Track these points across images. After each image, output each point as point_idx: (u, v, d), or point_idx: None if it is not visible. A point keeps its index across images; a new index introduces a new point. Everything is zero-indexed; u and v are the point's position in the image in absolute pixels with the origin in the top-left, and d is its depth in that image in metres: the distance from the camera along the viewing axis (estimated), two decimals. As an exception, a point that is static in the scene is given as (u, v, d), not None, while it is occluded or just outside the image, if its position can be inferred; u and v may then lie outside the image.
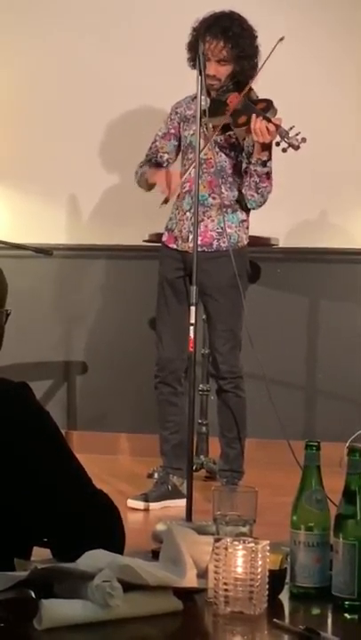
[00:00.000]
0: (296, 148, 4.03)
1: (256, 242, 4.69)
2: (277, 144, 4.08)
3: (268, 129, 4.03)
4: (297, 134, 4.02)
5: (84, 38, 5.50)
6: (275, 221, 5.00)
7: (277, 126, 4.04)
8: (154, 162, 4.43)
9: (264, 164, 4.16)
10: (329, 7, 5.26)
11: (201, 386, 4.94)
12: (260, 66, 4.18)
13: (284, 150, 4.07)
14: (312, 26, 5.23)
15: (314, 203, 5.32)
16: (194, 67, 4.26)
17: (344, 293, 5.33)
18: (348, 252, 5.30)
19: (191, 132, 4.30)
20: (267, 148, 4.12)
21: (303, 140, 4.01)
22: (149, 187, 4.37)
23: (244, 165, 4.27)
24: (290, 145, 4.03)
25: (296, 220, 5.35)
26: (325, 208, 5.33)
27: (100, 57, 5.45)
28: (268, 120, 4.05)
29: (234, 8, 4.30)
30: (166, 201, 4.23)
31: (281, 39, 3.95)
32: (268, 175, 4.20)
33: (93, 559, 1.67)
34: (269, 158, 4.16)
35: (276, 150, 4.12)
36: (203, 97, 3.84)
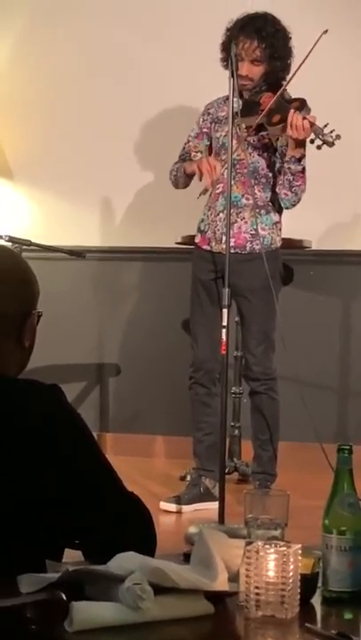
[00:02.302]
0: (331, 144, 4.01)
1: (289, 244, 4.68)
2: (312, 141, 4.07)
3: (303, 125, 4.02)
4: (331, 131, 4.01)
5: (118, 37, 5.51)
6: (308, 223, 4.99)
7: (312, 123, 4.03)
8: (188, 161, 4.44)
9: (298, 161, 4.15)
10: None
11: (234, 388, 4.94)
12: (302, 60, 4.08)
13: (318, 147, 4.05)
14: (345, 23, 5.21)
15: (347, 205, 5.30)
16: (227, 67, 4.27)
17: (378, 295, 5.31)
18: (382, 254, 5.28)
19: (223, 134, 4.30)
20: (301, 144, 4.11)
21: (338, 136, 4.00)
22: (187, 178, 4.36)
23: (277, 165, 4.26)
24: (324, 142, 4.02)
25: (329, 222, 5.33)
26: (358, 210, 5.31)
27: (133, 56, 5.46)
28: (304, 117, 4.04)
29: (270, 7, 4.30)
30: (206, 191, 4.21)
31: (325, 32, 3.91)
32: (302, 173, 4.18)
33: (124, 561, 1.67)
34: (304, 155, 4.15)
35: (310, 151, 4.10)
36: (235, 99, 3.83)
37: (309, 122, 4.03)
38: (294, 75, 4.15)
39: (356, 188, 5.25)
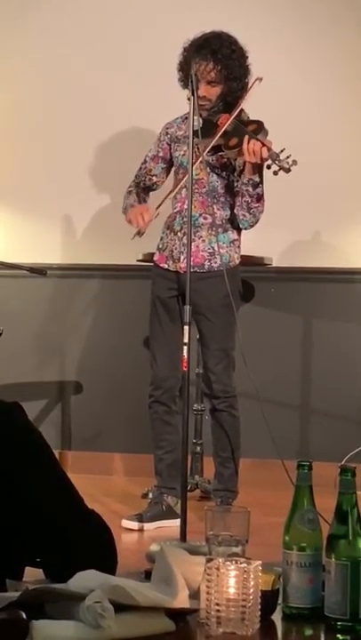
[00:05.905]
0: (287, 170, 4.02)
1: (250, 261, 4.70)
2: (268, 167, 4.08)
3: (260, 151, 4.03)
4: (288, 157, 4.01)
5: (76, 59, 5.52)
6: (269, 241, 5.01)
7: (269, 148, 4.04)
8: (142, 186, 4.46)
9: (255, 185, 4.16)
10: (322, 27, 5.29)
11: (195, 405, 4.94)
12: (246, 93, 4.17)
13: (275, 173, 4.06)
14: (303, 45, 5.26)
15: (307, 222, 5.33)
16: (185, 87, 4.29)
17: (338, 312, 5.34)
18: (342, 271, 5.30)
19: (182, 153, 4.32)
20: (258, 169, 4.12)
21: (294, 162, 4.00)
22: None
23: (236, 185, 4.27)
24: (281, 168, 4.03)
25: (290, 239, 5.36)
26: (319, 228, 5.34)
27: (92, 76, 5.47)
28: (262, 143, 4.05)
29: (229, 28, 4.32)
30: (139, 233, 4.25)
31: (259, 79, 4.03)
32: (260, 197, 4.20)
33: (85, 580, 1.67)
34: (260, 180, 4.16)
35: (268, 172, 4.12)
36: (195, 117, 3.84)
37: (266, 147, 4.04)
38: (241, 102, 4.20)
39: (316, 205, 5.28)
